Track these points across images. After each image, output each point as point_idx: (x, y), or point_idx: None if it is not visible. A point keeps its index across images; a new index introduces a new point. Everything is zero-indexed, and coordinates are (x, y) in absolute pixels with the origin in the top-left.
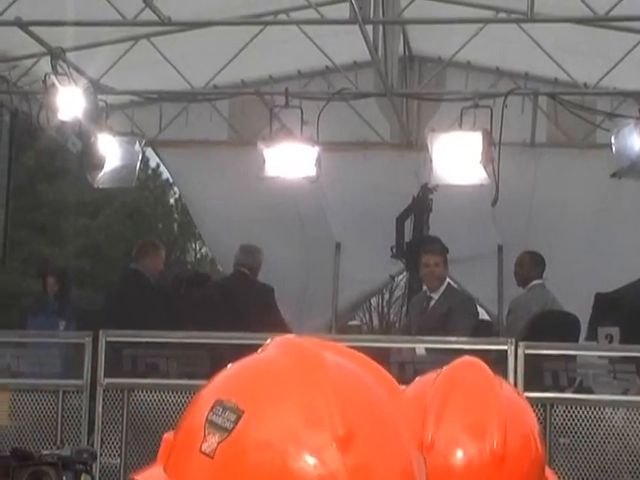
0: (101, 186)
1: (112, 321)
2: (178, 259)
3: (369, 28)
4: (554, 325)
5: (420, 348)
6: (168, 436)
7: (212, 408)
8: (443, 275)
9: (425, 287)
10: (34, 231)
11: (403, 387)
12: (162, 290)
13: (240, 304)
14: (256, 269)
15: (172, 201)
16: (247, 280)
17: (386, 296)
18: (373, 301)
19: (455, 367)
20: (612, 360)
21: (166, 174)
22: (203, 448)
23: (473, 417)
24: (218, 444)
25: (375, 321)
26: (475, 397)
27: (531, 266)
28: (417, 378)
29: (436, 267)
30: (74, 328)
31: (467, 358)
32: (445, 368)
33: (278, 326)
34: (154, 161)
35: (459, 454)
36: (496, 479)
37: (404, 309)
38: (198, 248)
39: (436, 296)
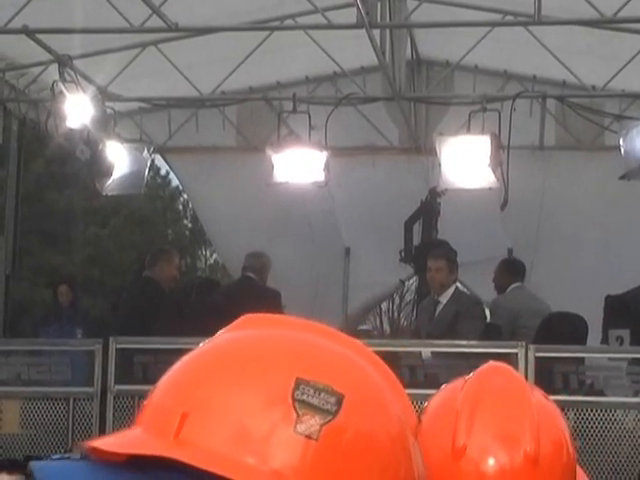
0: (109, 193)
1: (125, 329)
2: (189, 266)
3: (376, 33)
4: (562, 327)
5: (426, 352)
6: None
7: (297, 387)
8: (445, 280)
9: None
10: (43, 240)
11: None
12: (175, 298)
13: (246, 309)
14: (263, 273)
15: (180, 207)
16: (253, 284)
17: (396, 301)
18: (383, 306)
19: (483, 372)
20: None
21: (175, 181)
22: (300, 430)
23: (505, 423)
24: (322, 427)
25: (386, 326)
26: (506, 402)
27: (506, 274)
28: (444, 385)
29: (437, 272)
30: (86, 336)
31: (494, 363)
32: (473, 374)
33: None
34: (164, 169)
35: (491, 460)
36: None
37: (414, 313)
38: (209, 254)
39: (444, 300)
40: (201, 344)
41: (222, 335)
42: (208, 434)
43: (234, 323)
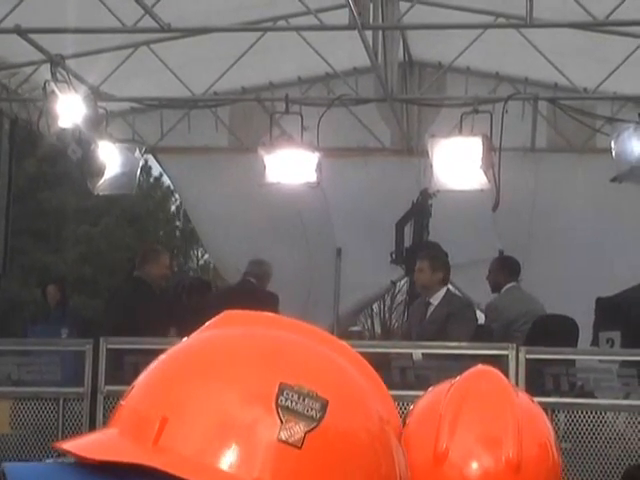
0: (101, 193)
1: (115, 330)
2: (181, 266)
3: (368, 34)
4: (553, 329)
5: (417, 353)
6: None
7: (281, 393)
8: (427, 281)
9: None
10: (35, 239)
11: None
12: (165, 298)
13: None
14: (264, 281)
15: (173, 208)
16: (252, 288)
17: (387, 302)
18: (375, 307)
19: (469, 376)
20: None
21: (168, 182)
22: (283, 437)
23: (488, 427)
24: (306, 434)
25: (377, 327)
26: (490, 406)
27: (501, 272)
28: (430, 388)
29: (420, 273)
30: (76, 336)
31: (481, 367)
32: (459, 377)
33: None
34: (157, 170)
35: (474, 464)
36: None
37: (405, 315)
38: (200, 255)
39: (435, 302)
40: (179, 342)
41: (202, 333)
42: (188, 440)
43: (214, 320)
